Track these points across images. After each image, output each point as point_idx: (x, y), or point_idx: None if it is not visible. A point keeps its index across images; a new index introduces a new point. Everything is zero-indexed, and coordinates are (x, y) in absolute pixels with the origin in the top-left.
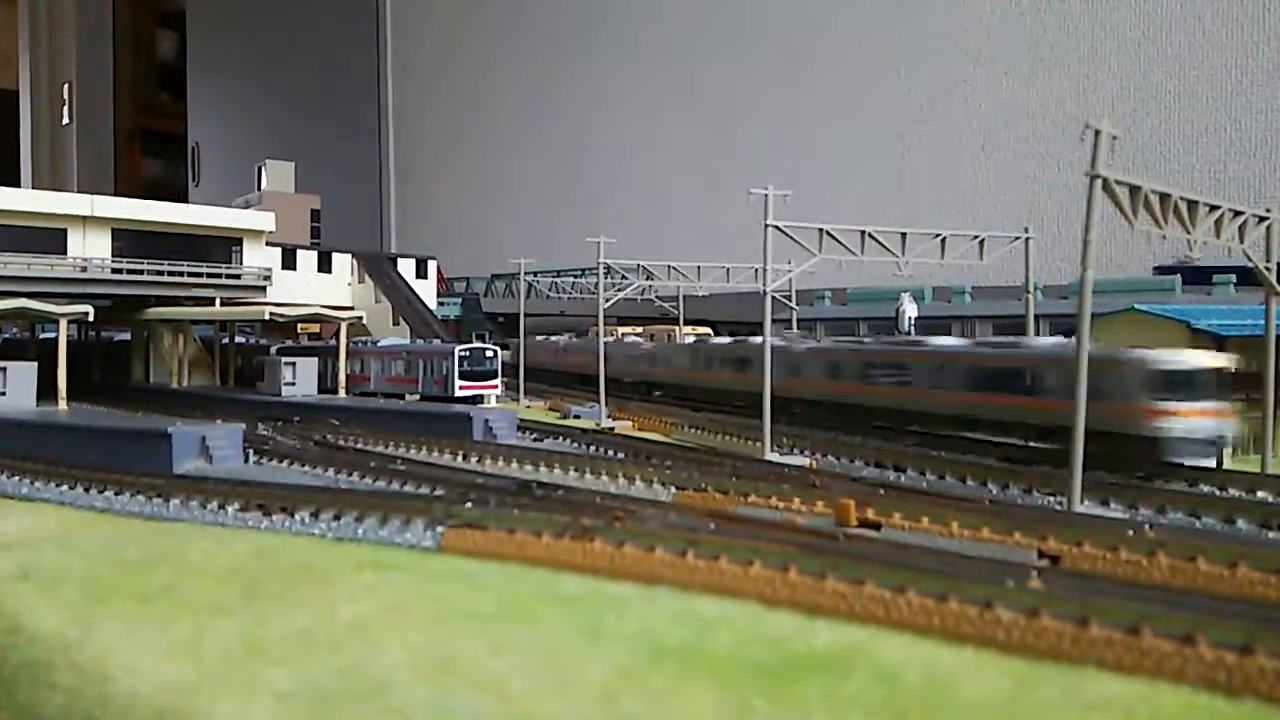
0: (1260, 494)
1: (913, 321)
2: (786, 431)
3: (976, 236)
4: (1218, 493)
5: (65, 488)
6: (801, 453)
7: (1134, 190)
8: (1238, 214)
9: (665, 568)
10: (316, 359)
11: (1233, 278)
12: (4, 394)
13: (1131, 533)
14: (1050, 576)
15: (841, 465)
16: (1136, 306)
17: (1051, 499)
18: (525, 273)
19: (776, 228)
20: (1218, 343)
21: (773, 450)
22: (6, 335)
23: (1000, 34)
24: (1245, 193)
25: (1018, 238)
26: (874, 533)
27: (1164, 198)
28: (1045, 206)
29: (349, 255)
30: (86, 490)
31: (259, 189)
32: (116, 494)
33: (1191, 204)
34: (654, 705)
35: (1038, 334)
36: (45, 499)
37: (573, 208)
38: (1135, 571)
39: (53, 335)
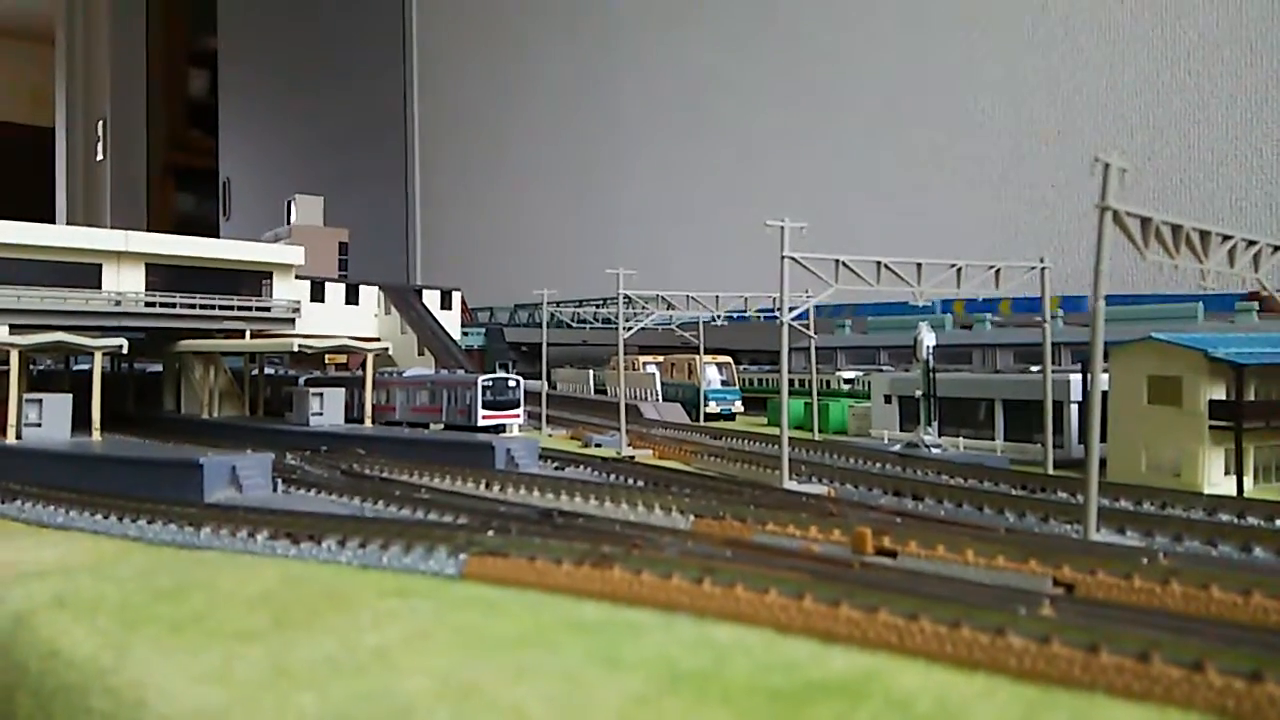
0: (1279, 522)
1: (930, 350)
2: (805, 460)
3: (992, 266)
4: (1236, 521)
5: (99, 517)
6: (820, 481)
7: (1145, 222)
8: (1251, 243)
9: (682, 595)
10: (343, 389)
11: (1255, 305)
12: (40, 425)
13: (1146, 560)
14: (1063, 604)
15: (860, 494)
16: (1153, 335)
17: (1069, 528)
18: (548, 302)
19: (793, 259)
20: (1236, 370)
21: (791, 479)
22: (41, 367)
23: (1017, 65)
24: (1268, 219)
25: (1034, 267)
26: (890, 560)
27: (1175, 229)
28: (1066, 235)
29: (376, 287)
30: (120, 519)
31: (288, 223)
32: (149, 523)
33: (1204, 234)
34: None
35: (1059, 363)
36: (80, 528)
37: (595, 238)
38: (1149, 599)
39: (86, 367)
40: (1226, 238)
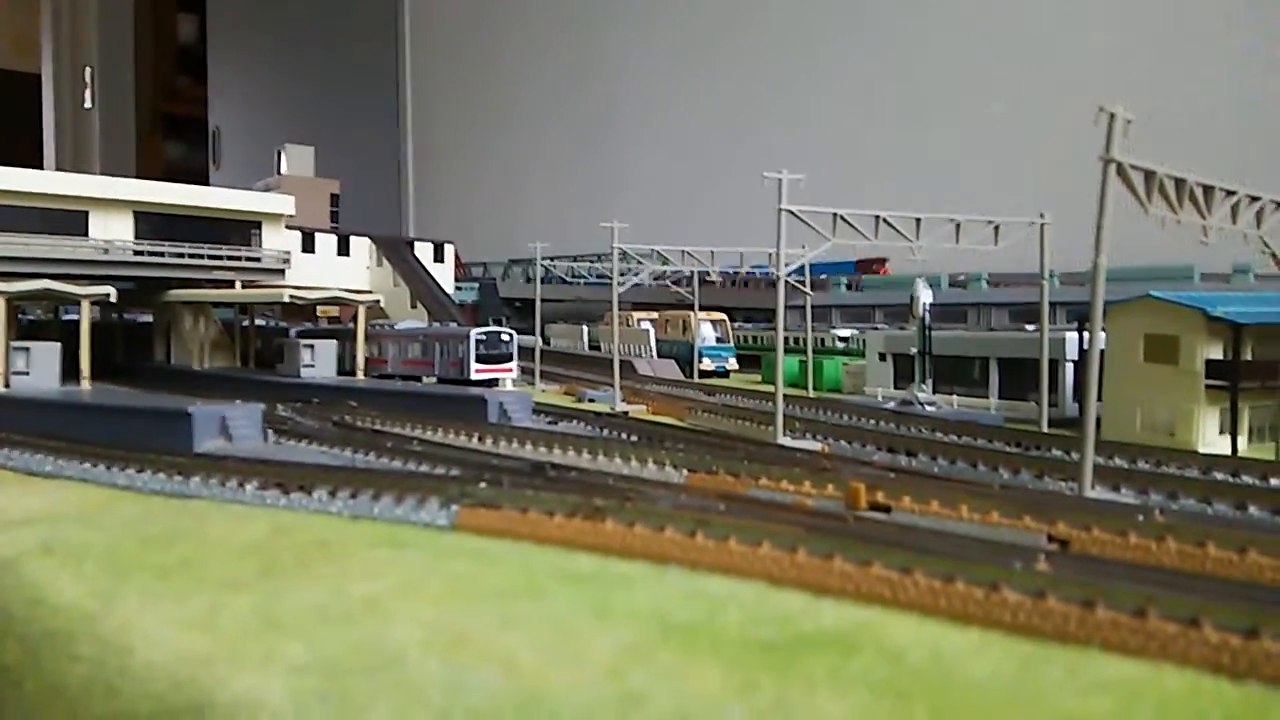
0: (1274, 481)
1: (927, 307)
2: (800, 417)
3: (991, 222)
4: (1231, 479)
5: (88, 465)
6: (814, 438)
7: (1149, 175)
8: (1254, 199)
9: (675, 547)
10: (335, 342)
11: (1251, 265)
12: (28, 374)
13: (1141, 518)
14: (1058, 560)
15: (853, 450)
16: (1152, 293)
17: (1063, 484)
18: (542, 258)
19: (790, 212)
20: (1234, 330)
21: (785, 435)
22: (30, 317)
23: (1021, 19)
24: (1273, 179)
25: (1033, 223)
26: (883, 515)
27: (1179, 183)
28: (1068, 193)
29: (367, 239)
30: (109, 468)
31: (279, 173)
32: (138, 472)
33: (1207, 189)
34: (661, 680)
35: (1054, 322)
36: (68, 476)
37: (590, 192)
38: (1144, 556)
39: (75, 317)
40: (1230, 193)
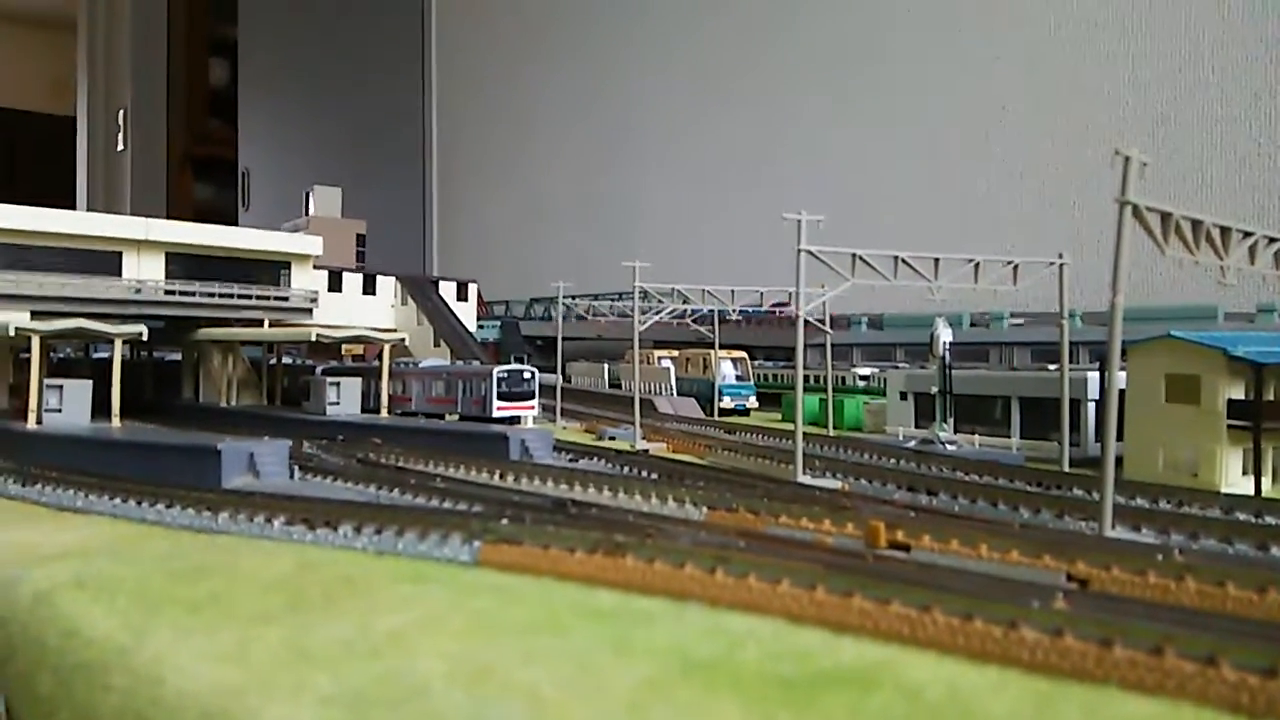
0: None
1: (947, 346)
2: (820, 455)
3: (1010, 262)
4: (1253, 520)
5: (118, 501)
6: (834, 476)
7: (1165, 217)
8: (1272, 240)
9: (695, 584)
10: (360, 379)
11: (1276, 305)
12: (60, 411)
13: (1161, 557)
14: (1076, 598)
15: (874, 489)
16: (1172, 333)
17: (1084, 524)
18: (563, 296)
19: (809, 253)
20: (1256, 370)
21: (805, 473)
22: (61, 355)
23: (1039, 62)
24: None
25: (1052, 263)
26: (903, 554)
27: (1196, 224)
28: (1087, 233)
29: (393, 278)
30: (139, 504)
31: (307, 214)
32: (167, 507)
33: (1224, 230)
34: (681, 715)
35: (1078, 362)
36: (99, 512)
37: (611, 232)
38: (1163, 595)
39: (105, 355)
40: (1247, 234)
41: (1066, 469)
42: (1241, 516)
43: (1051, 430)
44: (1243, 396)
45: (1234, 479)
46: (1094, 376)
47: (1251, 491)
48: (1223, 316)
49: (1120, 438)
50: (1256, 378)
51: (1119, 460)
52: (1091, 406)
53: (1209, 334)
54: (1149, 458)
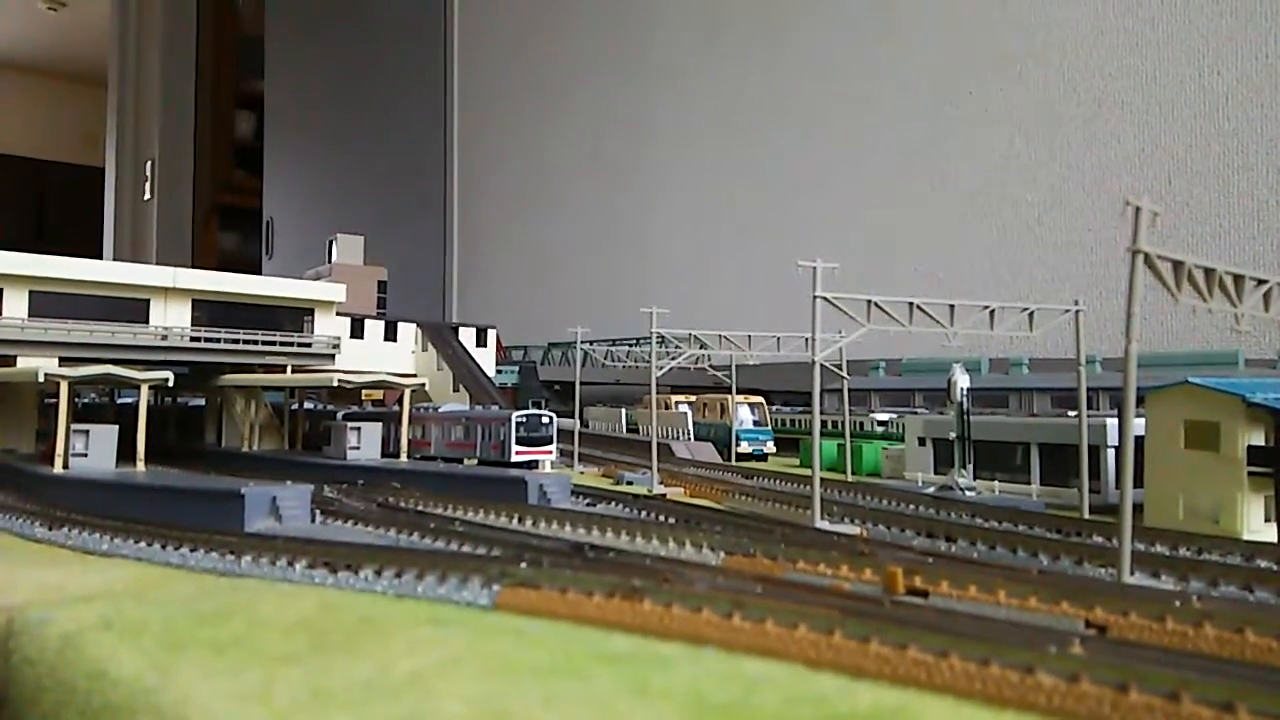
0: None
1: (965, 392)
2: (838, 501)
3: (1026, 309)
4: (1275, 567)
5: (143, 544)
6: (852, 522)
7: (1177, 265)
8: None
9: (712, 628)
10: (380, 424)
11: None
12: (86, 455)
13: (1179, 603)
14: (1093, 644)
15: (892, 535)
16: (1190, 379)
17: (1103, 571)
18: (581, 341)
19: (825, 299)
20: (1275, 416)
21: (823, 518)
22: (86, 400)
23: (1053, 111)
24: None
25: (1068, 310)
26: (921, 600)
27: (1209, 272)
28: (1104, 280)
29: (414, 325)
30: (163, 547)
31: (329, 261)
32: (191, 550)
33: (1238, 278)
34: None
35: (1098, 408)
36: (124, 555)
37: (628, 277)
38: (1182, 642)
39: (130, 400)
40: (1261, 282)
41: (1086, 515)
42: (1262, 564)
43: (1072, 476)
44: (1263, 443)
45: (1256, 525)
46: (1113, 423)
47: (1274, 539)
48: (1243, 362)
49: (1140, 484)
50: (1276, 424)
51: (1139, 507)
52: (1111, 453)
53: (1227, 380)
54: (1169, 505)
